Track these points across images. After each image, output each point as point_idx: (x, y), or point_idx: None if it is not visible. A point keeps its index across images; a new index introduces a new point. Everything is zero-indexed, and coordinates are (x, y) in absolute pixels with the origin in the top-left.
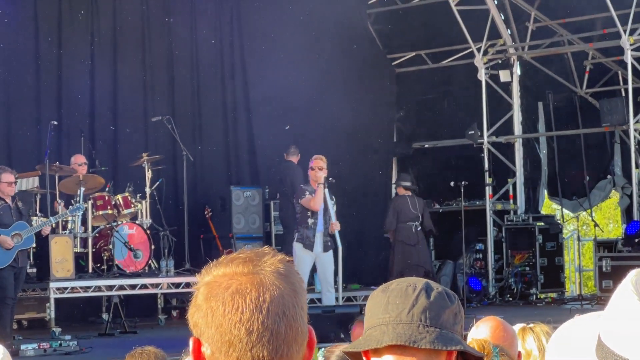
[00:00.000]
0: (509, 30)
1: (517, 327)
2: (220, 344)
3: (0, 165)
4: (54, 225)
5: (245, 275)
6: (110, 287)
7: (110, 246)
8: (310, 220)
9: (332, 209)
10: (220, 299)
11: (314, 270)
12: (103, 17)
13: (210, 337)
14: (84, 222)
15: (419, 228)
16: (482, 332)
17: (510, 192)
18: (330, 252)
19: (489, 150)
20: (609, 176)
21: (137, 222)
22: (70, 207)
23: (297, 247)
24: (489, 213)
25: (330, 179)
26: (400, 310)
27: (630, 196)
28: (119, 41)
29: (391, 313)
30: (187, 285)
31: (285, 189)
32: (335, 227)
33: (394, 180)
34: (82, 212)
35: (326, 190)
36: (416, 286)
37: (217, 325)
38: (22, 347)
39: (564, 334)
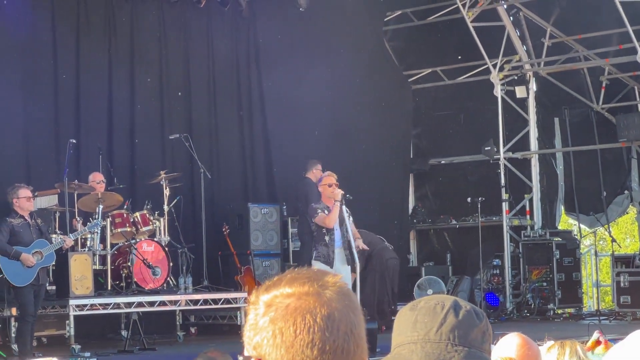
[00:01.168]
0: (524, 46)
1: (547, 345)
2: None
3: (17, 183)
4: (72, 242)
5: (312, 295)
6: (129, 304)
7: (129, 263)
8: (326, 238)
9: (349, 222)
10: (291, 320)
11: None
12: (120, 36)
13: (279, 358)
14: (103, 239)
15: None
16: (506, 349)
17: (527, 208)
18: (349, 267)
19: (505, 166)
20: (626, 191)
21: (155, 239)
22: (88, 223)
23: (316, 265)
24: (505, 229)
25: (348, 195)
26: (429, 329)
27: None
28: (136, 60)
29: (419, 331)
30: (206, 302)
31: (300, 206)
32: (360, 244)
33: (411, 196)
34: (99, 228)
35: (344, 207)
36: (444, 304)
37: (288, 347)
38: None
39: (630, 347)
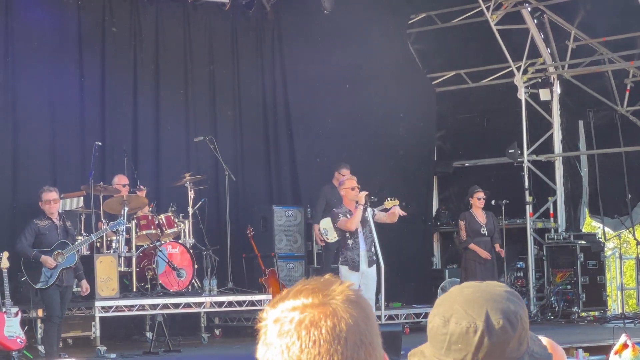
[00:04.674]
0: (548, 49)
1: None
2: None
3: (45, 185)
4: (98, 243)
5: (317, 306)
6: (154, 306)
7: (154, 265)
8: (350, 242)
9: (372, 222)
10: (296, 334)
11: None
12: (145, 39)
13: None
14: (128, 241)
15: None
16: None
17: (551, 211)
18: (374, 267)
19: (529, 168)
20: None
21: (180, 241)
22: (111, 223)
23: (342, 269)
24: (529, 231)
25: (372, 197)
26: (464, 355)
27: None
28: (161, 62)
29: (455, 356)
30: (230, 304)
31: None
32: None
33: (434, 199)
34: (123, 228)
35: (369, 208)
36: (477, 327)
37: None
38: None
39: None
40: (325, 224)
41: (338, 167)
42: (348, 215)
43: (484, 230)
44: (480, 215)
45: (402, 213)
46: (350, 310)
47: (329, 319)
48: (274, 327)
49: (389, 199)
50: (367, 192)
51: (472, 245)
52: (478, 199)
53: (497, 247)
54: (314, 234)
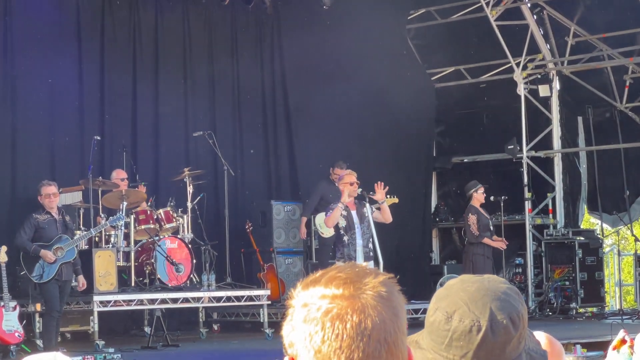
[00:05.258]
0: (548, 45)
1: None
2: None
3: (44, 180)
4: (96, 238)
5: (347, 298)
6: (152, 301)
7: (153, 260)
8: (345, 238)
9: (371, 217)
10: (320, 324)
11: None
12: (145, 33)
13: None
14: (127, 236)
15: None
16: None
17: (550, 207)
18: (372, 263)
19: (528, 164)
20: None
21: (178, 236)
22: (110, 217)
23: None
24: (528, 227)
25: (370, 193)
26: (465, 353)
27: None
28: (160, 57)
29: (455, 352)
30: (228, 299)
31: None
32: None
33: (433, 194)
34: (122, 222)
35: (367, 203)
36: (480, 326)
37: (316, 351)
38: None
39: None
40: (320, 219)
41: (334, 164)
42: (344, 212)
43: (491, 225)
44: (484, 211)
45: (390, 201)
46: (380, 308)
47: (356, 315)
48: (301, 311)
49: (388, 196)
50: (354, 188)
51: (486, 240)
52: (481, 194)
53: (503, 239)
54: (315, 226)
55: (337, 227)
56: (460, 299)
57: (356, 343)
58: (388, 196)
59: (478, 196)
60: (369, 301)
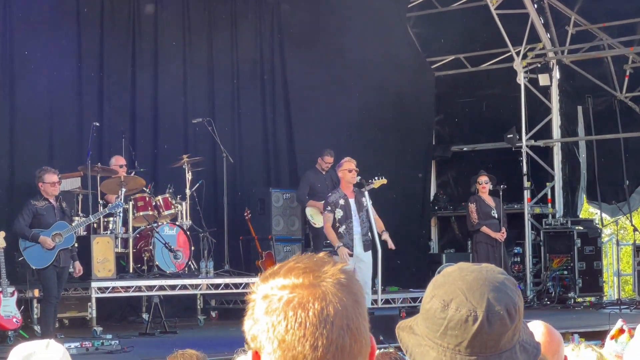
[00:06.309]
0: (548, 34)
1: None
2: None
3: (43, 166)
4: (95, 224)
5: (307, 287)
6: (150, 287)
7: (151, 247)
8: (341, 229)
9: (370, 206)
10: (282, 314)
11: None
12: (144, 20)
13: (272, 352)
14: (125, 222)
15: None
16: None
17: (549, 196)
18: (370, 252)
19: (527, 153)
20: None
21: (177, 223)
22: (109, 205)
23: (336, 257)
24: (527, 217)
25: (369, 180)
26: (460, 342)
27: None
28: (160, 43)
29: (450, 341)
30: (227, 286)
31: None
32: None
33: (432, 183)
34: (120, 210)
35: (366, 192)
36: (477, 316)
37: (280, 341)
38: (65, 345)
39: None
40: (311, 209)
41: (322, 153)
42: (341, 201)
43: (494, 213)
44: (488, 199)
45: (391, 246)
46: (340, 295)
47: (317, 302)
48: (262, 304)
49: (376, 178)
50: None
51: (484, 228)
52: (479, 184)
53: (503, 230)
54: (307, 217)
55: (334, 220)
56: (458, 288)
57: (319, 330)
58: (376, 178)
59: (478, 185)
60: (330, 288)
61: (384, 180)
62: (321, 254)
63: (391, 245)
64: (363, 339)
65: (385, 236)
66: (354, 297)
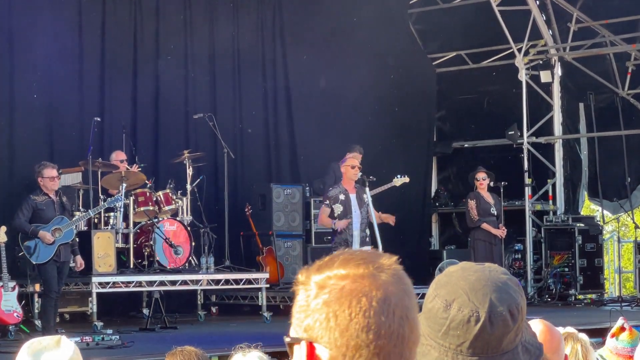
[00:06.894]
0: (550, 30)
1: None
2: (345, 349)
3: (43, 161)
4: (95, 219)
5: (367, 277)
6: (151, 283)
7: (151, 242)
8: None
9: (371, 204)
10: (346, 302)
11: None
12: (146, 13)
13: (332, 342)
14: (126, 218)
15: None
16: None
17: (550, 193)
18: (368, 248)
19: (528, 150)
20: None
21: (177, 218)
22: (109, 199)
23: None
24: (528, 213)
25: (371, 177)
26: (461, 342)
27: None
28: (161, 38)
29: (452, 341)
30: (227, 282)
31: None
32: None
33: (433, 179)
34: (120, 203)
35: (367, 188)
36: (479, 316)
37: (342, 330)
38: None
39: None
40: None
41: (350, 148)
42: (341, 196)
43: (493, 210)
44: (487, 196)
45: (392, 221)
46: (399, 285)
47: (380, 291)
48: (320, 294)
49: (398, 176)
50: (355, 172)
51: (484, 225)
52: (477, 180)
53: (502, 227)
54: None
55: (332, 214)
56: (461, 288)
57: (382, 319)
58: (398, 176)
59: (476, 182)
60: (389, 279)
61: (406, 179)
62: (370, 248)
63: (391, 220)
64: (418, 330)
65: (384, 215)
66: (409, 289)
